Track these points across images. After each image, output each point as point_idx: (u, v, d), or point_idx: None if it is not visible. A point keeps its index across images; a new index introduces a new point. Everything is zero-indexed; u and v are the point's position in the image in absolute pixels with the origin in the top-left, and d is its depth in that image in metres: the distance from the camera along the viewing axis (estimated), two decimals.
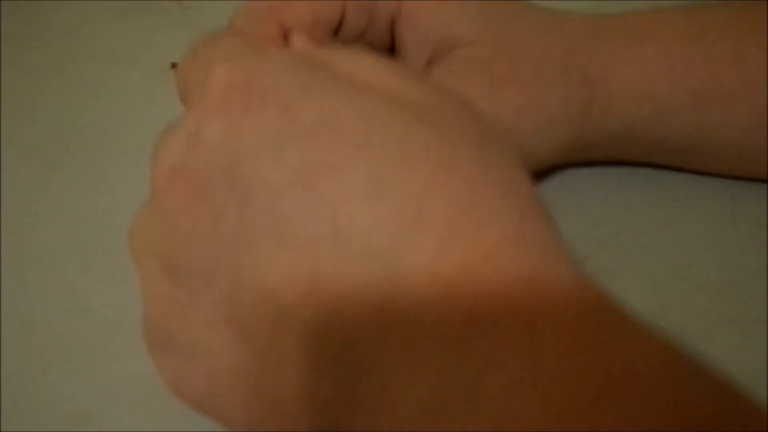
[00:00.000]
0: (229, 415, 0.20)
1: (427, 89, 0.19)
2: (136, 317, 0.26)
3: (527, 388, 0.14)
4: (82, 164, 0.33)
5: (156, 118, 0.35)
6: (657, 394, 0.13)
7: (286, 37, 0.26)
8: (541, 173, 0.30)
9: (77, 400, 0.23)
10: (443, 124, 0.18)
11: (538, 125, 0.28)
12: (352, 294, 0.17)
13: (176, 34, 0.41)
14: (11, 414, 0.23)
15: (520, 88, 0.28)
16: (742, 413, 0.14)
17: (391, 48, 0.30)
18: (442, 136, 0.18)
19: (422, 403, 0.15)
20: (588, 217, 0.30)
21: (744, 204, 0.30)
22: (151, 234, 0.20)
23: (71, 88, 0.38)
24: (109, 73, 0.39)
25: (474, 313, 0.16)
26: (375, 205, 0.17)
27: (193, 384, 0.20)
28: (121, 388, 0.24)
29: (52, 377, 0.24)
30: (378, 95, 0.18)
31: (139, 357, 0.25)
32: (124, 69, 0.39)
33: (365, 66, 0.19)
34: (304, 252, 0.17)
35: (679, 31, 0.29)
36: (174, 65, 0.39)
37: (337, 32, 0.28)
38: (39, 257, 0.28)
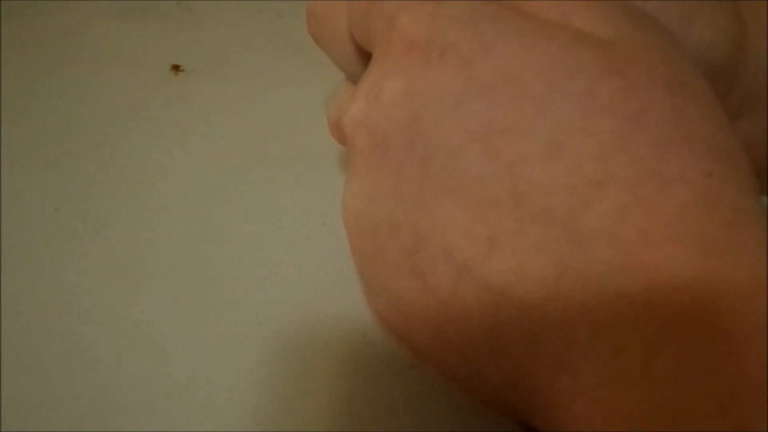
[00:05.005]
0: (421, 351, 0.20)
1: (620, 17, 0.18)
2: (135, 317, 0.26)
3: (701, 362, 0.14)
4: (81, 165, 0.33)
5: (156, 119, 0.36)
6: None
7: None
8: None
9: (77, 400, 0.23)
10: (632, 66, 0.17)
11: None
12: (532, 252, 0.17)
13: (176, 35, 0.41)
14: (11, 414, 0.23)
15: None
16: None
17: None
18: (629, 84, 0.17)
19: (599, 370, 0.15)
20: None
21: None
22: (348, 188, 0.20)
23: (71, 89, 0.38)
24: (108, 74, 0.39)
25: (653, 281, 0.15)
26: (555, 166, 0.17)
27: (391, 320, 0.20)
28: (121, 388, 0.24)
29: (52, 377, 0.24)
30: (563, 38, 0.18)
31: (139, 357, 0.25)
32: (124, 70, 0.39)
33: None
34: (484, 211, 0.17)
35: None
36: (174, 66, 0.39)
37: None
38: (39, 257, 0.28)
